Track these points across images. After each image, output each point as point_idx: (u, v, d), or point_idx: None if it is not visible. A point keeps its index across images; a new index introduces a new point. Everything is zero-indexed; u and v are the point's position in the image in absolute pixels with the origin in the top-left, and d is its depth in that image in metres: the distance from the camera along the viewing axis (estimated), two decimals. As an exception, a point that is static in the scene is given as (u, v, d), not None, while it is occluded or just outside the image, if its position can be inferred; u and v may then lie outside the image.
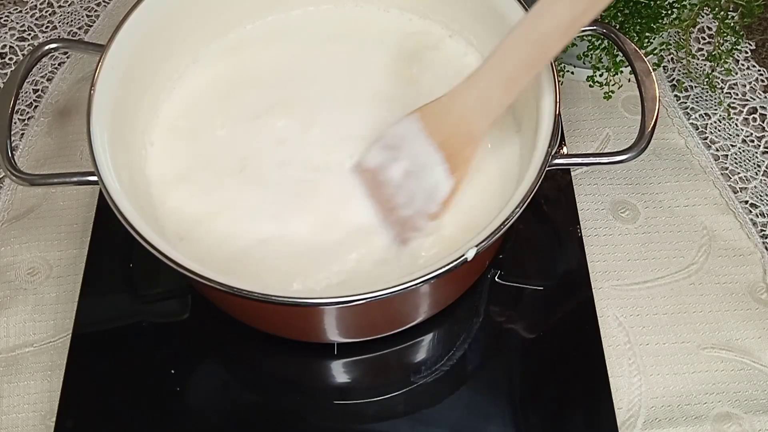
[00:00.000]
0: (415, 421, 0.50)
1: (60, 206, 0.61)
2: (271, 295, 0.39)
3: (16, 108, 0.66)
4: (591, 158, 0.48)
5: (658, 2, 0.56)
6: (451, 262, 0.39)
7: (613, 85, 0.60)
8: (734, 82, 0.68)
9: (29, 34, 0.72)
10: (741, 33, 0.62)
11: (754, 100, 0.67)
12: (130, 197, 0.42)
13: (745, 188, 0.62)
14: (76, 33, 0.72)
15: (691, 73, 0.68)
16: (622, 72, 0.59)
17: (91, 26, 0.73)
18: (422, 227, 0.46)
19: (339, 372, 0.53)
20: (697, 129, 0.66)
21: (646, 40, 0.58)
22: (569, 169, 0.61)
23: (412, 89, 0.53)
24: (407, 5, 0.57)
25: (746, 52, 0.70)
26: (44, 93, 0.68)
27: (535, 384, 0.52)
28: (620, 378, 0.53)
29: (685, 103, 0.67)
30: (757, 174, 0.63)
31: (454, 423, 0.50)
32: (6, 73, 0.69)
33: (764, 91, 0.68)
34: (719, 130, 0.66)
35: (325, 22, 0.57)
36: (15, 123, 0.65)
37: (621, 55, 0.50)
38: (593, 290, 0.55)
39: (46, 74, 0.69)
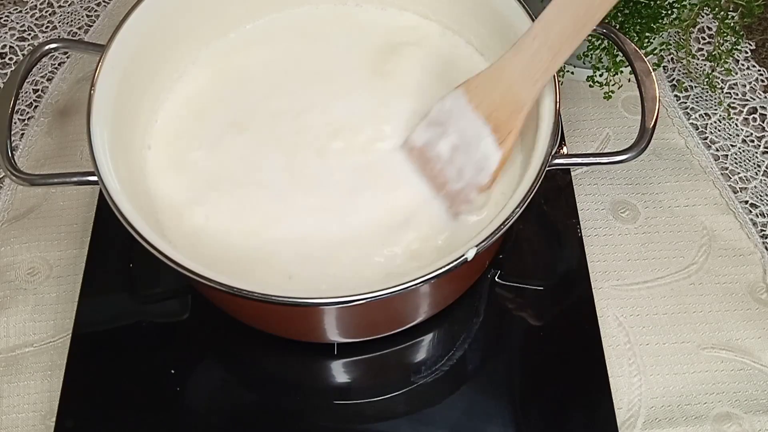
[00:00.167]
0: (415, 421, 0.50)
1: (60, 206, 0.61)
2: (270, 295, 0.39)
3: (16, 108, 0.66)
4: (591, 158, 0.48)
5: (658, 2, 0.56)
6: (451, 262, 0.39)
7: (613, 85, 0.60)
8: (734, 82, 0.68)
9: (29, 34, 0.72)
10: (741, 33, 0.62)
11: (754, 100, 0.67)
12: (130, 197, 0.42)
13: (745, 188, 0.62)
14: (76, 33, 0.72)
15: (691, 73, 0.68)
16: (622, 72, 0.59)
17: (91, 26, 0.73)
18: (473, 200, 0.46)
19: (339, 372, 0.53)
20: (697, 129, 0.66)
21: (646, 40, 0.58)
22: (569, 169, 0.61)
23: (411, 87, 0.53)
24: (407, 5, 0.57)
25: (746, 52, 0.70)
26: (44, 93, 0.68)
27: (535, 384, 0.52)
28: (620, 378, 0.53)
29: (685, 103, 0.67)
30: (757, 174, 0.63)
31: (454, 423, 0.50)
32: (6, 73, 0.69)
33: (764, 91, 0.68)
34: (719, 130, 0.66)
35: (325, 21, 0.57)
36: (15, 123, 0.65)
37: (621, 55, 0.50)
38: (593, 290, 0.55)
39: (46, 74, 0.69)
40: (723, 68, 0.67)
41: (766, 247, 0.59)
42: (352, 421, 0.50)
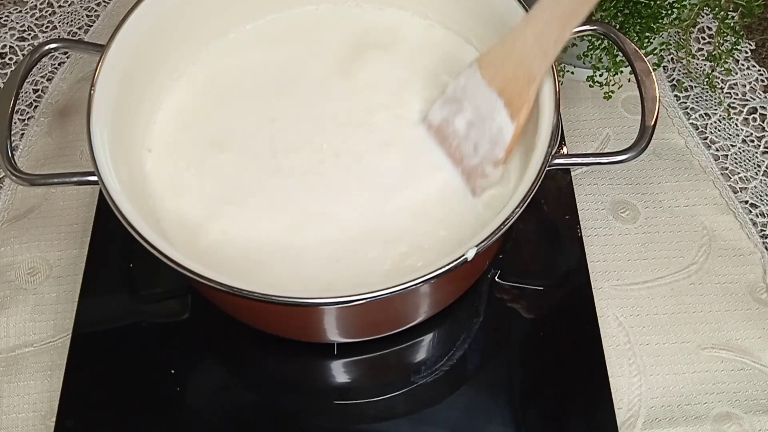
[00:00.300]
0: (415, 421, 0.50)
1: (60, 206, 0.61)
2: (270, 295, 0.39)
3: (16, 108, 0.66)
4: (591, 158, 0.48)
5: (658, 2, 0.56)
6: (451, 262, 0.39)
7: (613, 85, 0.60)
8: (734, 82, 0.68)
9: (29, 34, 0.72)
10: (741, 33, 0.62)
11: (754, 100, 0.67)
12: (130, 197, 0.42)
13: (745, 188, 0.62)
14: (76, 33, 0.72)
15: (691, 73, 0.68)
16: (622, 72, 0.59)
17: (91, 26, 0.73)
18: (489, 174, 0.47)
19: (339, 372, 0.53)
20: (697, 129, 0.66)
21: (646, 40, 0.58)
22: (569, 169, 0.61)
23: (416, 88, 0.53)
24: (407, 5, 0.57)
25: (746, 52, 0.70)
26: (44, 93, 0.68)
27: (535, 384, 0.52)
28: (620, 378, 0.53)
29: (685, 103, 0.67)
30: (757, 174, 0.63)
31: (454, 423, 0.50)
32: (6, 73, 0.69)
33: (764, 91, 0.68)
34: (719, 130, 0.66)
35: (325, 21, 0.57)
36: (15, 123, 0.65)
37: (621, 55, 0.50)
38: (593, 290, 0.55)
39: (46, 74, 0.69)
40: (723, 68, 0.67)
41: (766, 247, 0.59)
42: (352, 421, 0.50)
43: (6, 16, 0.73)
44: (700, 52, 0.70)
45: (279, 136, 0.51)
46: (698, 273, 0.58)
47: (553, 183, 0.60)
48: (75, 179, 0.44)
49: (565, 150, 0.46)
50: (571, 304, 0.55)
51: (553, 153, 0.43)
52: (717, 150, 0.64)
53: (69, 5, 0.74)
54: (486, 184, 0.48)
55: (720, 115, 0.66)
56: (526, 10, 0.48)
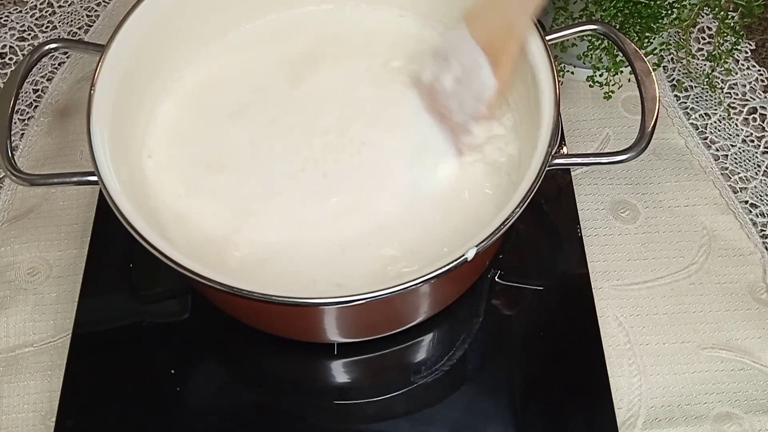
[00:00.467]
0: (415, 421, 0.50)
1: (60, 206, 0.61)
2: (270, 295, 0.39)
3: (16, 108, 0.66)
4: (591, 158, 0.48)
5: (658, 2, 0.56)
6: (451, 262, 0.39)
7: (613, 85, 0.60)
8: (734, 82, 0.68)
9: (29, 34, 0.72)
10: (741, 33, 0.62)
11: (754, 100, 0.67)
12: (130, 197, 0.42)
13: (745, 188, 0.62)
14: (76, 33, 0.72)
15: (691, 73, 0.68)
16: (622, 72, 0.59)
17: (91, 26, 0.73)
18: (473, 131, 0.48)
19: (339, 372, 0.53)
20: (697, 129, 0.66)
21: (646, 40, 0.58)
22: (569, 169, 0.61)
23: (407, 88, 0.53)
24: (407, 5, 0.57)
25: (746, 52, 0.70)
26: (44, 93, 0.68)
27: (535, 384, 0.52)
28: (620, 378, 0.53)
29: (685, 103, 0.67)
30: (757, 174, 0.63)
31: (454, 423, 0.50)
32: (6, 73, 0.69)
33: (764, 91, 0.68)
34: (719, 130, 0.66)
35: (325, 22, 0.57)
36: (15, 123, 0.65)
37: (621, 55, 0.50)
38: (593, 290, 0.55)
39: (46, 74, 0.69)
40: (723, 68, 0.67)
41: (766, 247, 0.59)
42: (352, 421, 0.50)
43: (6, 16, 0.73)
44: (700, 52, 0.70)
45: (280, 134, 0.51)
46: (698, 273, 0.58)
47: (553, 183, 0.60)
48: (75, 179, 0.44)
49: (565, 150, 0.46)
50: (571, 304, 0.55)
51: (553, 153, 0.43)
52: (717, 150, 0.64)
53: (69, 5, 0.74)
54: (470, 142, 0.48)
55: (720, 115, 0.66)
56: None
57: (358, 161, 0.50)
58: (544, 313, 0.54)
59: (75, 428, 0.49)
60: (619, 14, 0.57)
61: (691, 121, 0.66)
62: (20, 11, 0.73)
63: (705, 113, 0.67)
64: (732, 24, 0.59)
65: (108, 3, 0.74)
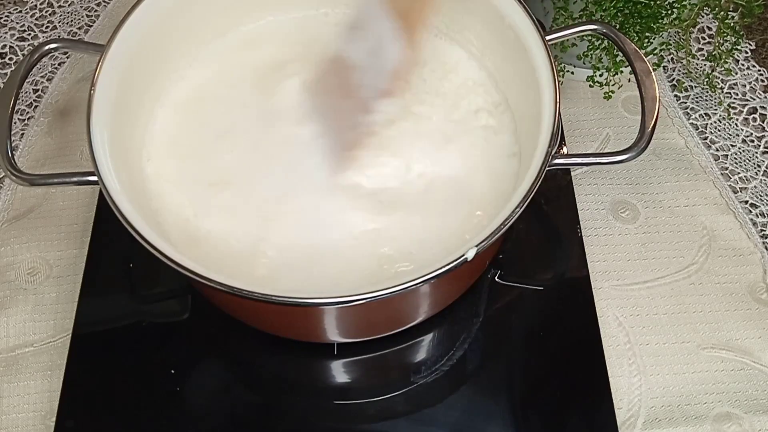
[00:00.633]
0: (415, 421, 0.50)
1: (60, 206, 0.61)
2: (270, 295, 0.39)
3: (16, 108, 0.66)
4: (591, 158, 0.48)
5: (658, 2, 0.56)
6: (451, 262, 0.39)
7: (613, 85, 0.60)
8: (734, 82, 0.68)
9: (29, 34, 0.72)
10: (741, 33, 0.62)
11: (754, 100, 0.67)
12: (130, 197, 0.42)
13: (745, 188, 0.62)
14: (76, 33, 0.72)
15: (691, 73, 0.68)
16: (622, 72, 0.59)
17: (91, 26, 0.73)
18: (375, 108, 0.47)
19: (339, 372, 0.53)
20: (697, 129, 0.66)
21: (646, 40, 0.58)
22: (569, 169, 0.61)
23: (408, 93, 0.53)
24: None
25: (746, 52, 0.70)
26: (44, 93, 0.68)
27: (535, 384, 0.52)
28: (620, 378, 0.53)
29: (685, 103, 0.67)
30: (757, 174, 0.63)
31: (454, 423, 0.50)
32: (6, 73, 0.69)
33: (764, 91, 0.68)
34: (719, 130, 0.66)
35: (324, 23, 0.57)
36: (15, 123, 0.65)
37: (621, 55, 0.50)
38: (593, 290, 0.55)
39: (46, 74, 0.69)
40: (723, 68, 0.67)
41: (766, 247, 0.59)
42: (352, 421, 0.50)
43: (6, 16, 0.73)
44: (700, 52, 0.70)
45: (281, 135, 0.51)
46: (698, 273, 0.58)
47: (553, 183, 0.60)
48: (75, 179, 0.44)
49: (565, 150, 0.46)
50: (571, 304, 0.55)
51: (553, 153, 0.43)
52: (717, 150, 0.64)
53: (69, 5, 0.74)
54: (370, 122, 0.47)
55: (720, 115, 0.66)
56: (527, 11, 0.48)
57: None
58: (544, 313, 0.54)
59: (75, 428, 0.49)
60: (619, 14, 0.57)
61: (691, 121, 0.66)
62: (20, 11, 0.73)
63: (705, 113, 0.67)
64: (732, 24, 0.59)
65: (108, 3, 0.74)
